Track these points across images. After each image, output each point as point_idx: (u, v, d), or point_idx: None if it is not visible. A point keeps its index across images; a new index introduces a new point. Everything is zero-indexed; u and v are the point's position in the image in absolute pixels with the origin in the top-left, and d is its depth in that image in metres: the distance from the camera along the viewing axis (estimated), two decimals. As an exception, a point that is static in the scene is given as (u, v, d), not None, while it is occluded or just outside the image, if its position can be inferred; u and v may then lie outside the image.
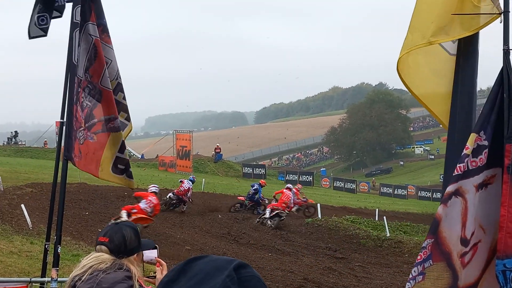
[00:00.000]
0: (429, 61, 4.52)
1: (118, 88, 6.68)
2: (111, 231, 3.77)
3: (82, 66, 6.21)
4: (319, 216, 26.84)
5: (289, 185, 28.17)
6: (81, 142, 6.24)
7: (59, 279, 5.88)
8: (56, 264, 5.78)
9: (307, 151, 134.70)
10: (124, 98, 6.78)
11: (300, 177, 60.15)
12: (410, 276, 3.77)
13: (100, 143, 6.36)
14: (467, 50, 4.23)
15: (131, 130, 7.08)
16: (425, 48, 4.33)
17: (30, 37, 6.87)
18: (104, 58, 6.29)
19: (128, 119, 6.89)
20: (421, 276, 3.74)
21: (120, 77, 6.67)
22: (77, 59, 6.16)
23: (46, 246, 6.83)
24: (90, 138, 6.30)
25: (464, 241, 3.80)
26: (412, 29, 4.27)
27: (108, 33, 6.55)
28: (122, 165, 6.55)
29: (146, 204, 18.61)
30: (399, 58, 4.37)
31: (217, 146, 62.25)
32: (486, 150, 3.79)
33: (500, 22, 3.89)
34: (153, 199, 18.93)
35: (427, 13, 4.25)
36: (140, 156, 73.08)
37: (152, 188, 20.02)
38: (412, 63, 4.46)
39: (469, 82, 4.27)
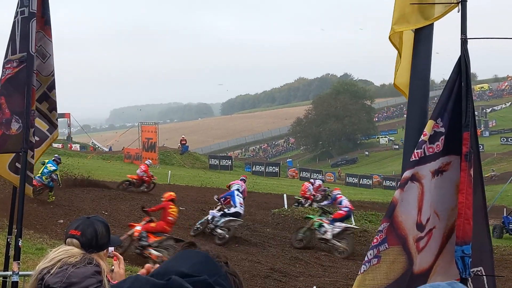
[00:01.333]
0: (405, 51, 4.59)
1: (53, 84, 6.53)
2: (83, 224, 3.73)
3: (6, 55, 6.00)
4: (286, 206, 26.98)
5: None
6: None
7: (21, 272, 5.81)
8: (17, 257, 5.69)
9: (273, 142, 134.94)
10: (55, 95, 6.61)
11: (267, 168, 60.32)
12: (366, 259, 3.82)
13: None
14: (421, 39, 4.29)
15: (56, 137, 6.86)
16: (404, 38, 4.44)
17: None
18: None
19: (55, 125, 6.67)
20: (376, 259, 3.79)
21: (54, 73, 6.51)
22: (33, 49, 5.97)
23: (8, 240, 6.73)
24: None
25: (419, 226, 3.86)
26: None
27: (50, 25, 6.40)
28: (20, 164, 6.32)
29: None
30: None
31: (183, 138, 61.99)
32: (443, 137, 3.86)
33: (458, 12, 3.95)
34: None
35: (395, 2, 4.28)
36: (108, 149, 72.40)
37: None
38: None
39: (423, 71, 4.33)
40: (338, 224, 19.41)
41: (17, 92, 5.85)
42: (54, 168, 21.45)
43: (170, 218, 16.15)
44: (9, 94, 5.87)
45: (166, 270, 1.58)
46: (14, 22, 5.98)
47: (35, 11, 5.97)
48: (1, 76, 5.96)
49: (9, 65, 5.92)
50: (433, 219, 3.89)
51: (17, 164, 6.13)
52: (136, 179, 26.98)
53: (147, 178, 27.21)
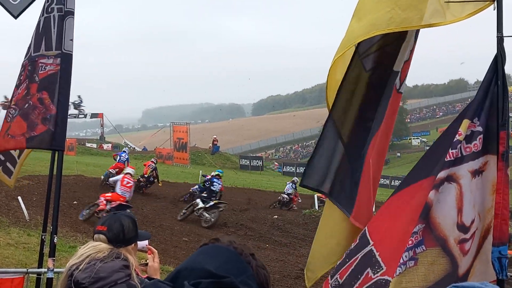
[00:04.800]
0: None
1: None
2: (109, 220, 3.77)
3: (37, 48, 6.05)
4: (316, 207, 26.89)
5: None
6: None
7: (56, 269, 5.87)
8: (52, 254, 5.78)
9: (304, 143, 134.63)
10: None
11: (298, 168, 60.19)
12: (401, 261, 3.76)
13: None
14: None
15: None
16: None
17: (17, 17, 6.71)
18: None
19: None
20: (412, 262, 3.73)
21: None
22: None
23: (43, 237, 6.84)
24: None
25: (462, 227, 3.79)
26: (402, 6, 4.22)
27: None
28: (2, 157, 6.34)
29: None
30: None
31: (215, 138, 62.19)
32: (481, 136, 3.80)
33: (494, 9, 3.88)
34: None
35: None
36: (142, 149, 72.87)
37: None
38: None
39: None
40: None
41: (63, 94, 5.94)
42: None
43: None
44: (54, 91, 5.94)
45: (193, 266, 1.58)
46: (48, 18, 6.02)
47: (72, 9, 6.02)
48: (40, 71, 6.00)
49: (45, 60, 5.96)
50: (477, 221, 3.84)
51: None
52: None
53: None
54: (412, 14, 4.02)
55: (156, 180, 26.81)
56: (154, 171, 26.39)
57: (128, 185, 19.20)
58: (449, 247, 3.77)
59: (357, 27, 4.36)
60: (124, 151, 28.12)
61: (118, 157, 26.32)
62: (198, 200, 21.23)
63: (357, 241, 4.26)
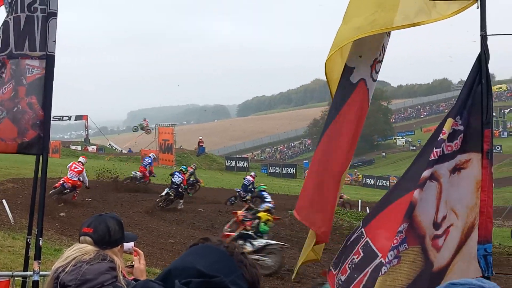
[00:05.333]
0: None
1: None
2: (95, 222, 3.76)
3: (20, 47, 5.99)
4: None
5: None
6: None
7: (41, 272, 5.84)
8: (38, 257, 5.74)
9: (290, 144, 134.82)
10: None
11: (283, 169, 60.29)
12: (386, 260, 3.78)
13: None
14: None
15: None
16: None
17: None
18: None
19: None
20: (396, 260, 3.76)
21: None
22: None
23: (28, 240, 6.78)
24: None
25: (435, 224, 3.83)
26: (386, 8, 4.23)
27: None
28: None
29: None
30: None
31: (200, 139, 62.08)
32: (461, 135, 3.83)
33: (477, 8, 3.91)
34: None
35: None
36: (127, 151, 72.52)
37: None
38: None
39: None
40: None
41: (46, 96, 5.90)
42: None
43: None
44: (40, 95, 5.90)
45: (183, 265, 1.59)
46: (31, 17, 5.96)
47: (55, 11, 5.97)
48: (27, 74, 5.94)
49: (30, 62, 5.91)
50: (450, 217, 3.86)
51: None
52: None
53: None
54: (396, 15, 4.04)
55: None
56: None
57: (75, 170, 21.86)
58: (426, 245, 3.81)
59: (343, 30, 4.41)
60: (150, 157, 31.29)
61: (143, 161, 30.22)
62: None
63: (361, 253, 4.22)
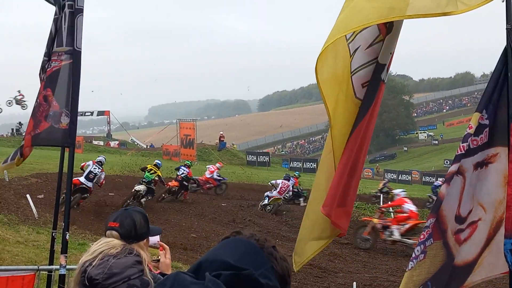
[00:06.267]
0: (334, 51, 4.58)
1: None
2: (121, 216, 3.80)
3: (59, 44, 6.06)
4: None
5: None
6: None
7: (67, 266, 5.92)
8: (64, 250, 5.81)
9: (311, 138, 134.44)
10: None
11: (304, 164, 60.15)
12: (413, 255, 3.78)
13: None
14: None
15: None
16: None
17: None
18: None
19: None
20: (422, 255, 3.76)
21: None
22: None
23: (53, 234, 6.87)
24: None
25: (458, 219, 3.81)
26: None
27: None
28: None
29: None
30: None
31: (221, 134, 62.16)
32: (487, 129, 3.79)
33: (502, 1, 3.87)
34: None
35: None
36: (149, 146, 72.79)
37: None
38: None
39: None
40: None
41: (64, 87, 5.94)
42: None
43: None
44: (55, 87, 5.96)
45: (213, 258, 1.61)
46: (60, 14, 6.03)
47: (82, 7, 6.03)
48: (47, 67, 6.02)
49: (55, 57, 5.99)
50: (477, 211, 3.83)
51: None
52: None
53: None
54: (430, 1, 3.91)
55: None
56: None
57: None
58: (447, 239, 3.79)
59: (363, 9, 4.11)
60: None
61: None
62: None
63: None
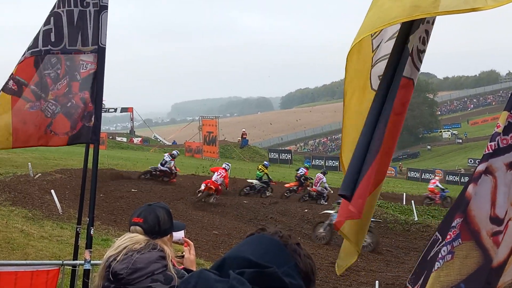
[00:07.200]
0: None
1: None
2: (145, 212, 3.82)
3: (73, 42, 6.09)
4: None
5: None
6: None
7: (91, 261, 5.97)
8: (89, 245, 5.87)
9: (333, 136, 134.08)
10: None
11: (326, 162, 60.02)
12: (439, 256, 3.73)
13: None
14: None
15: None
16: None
17: None
18: None
19: None
20: (450, 255, 3.70)
21: None
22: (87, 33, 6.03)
23: (78, 230, 6.92)
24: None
25: (495, 220, 3.75)
26: None
27: None
28: None
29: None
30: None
31: (244, 131, 62.25)
32: None
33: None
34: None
35: None
36: (172, 143, 73.17)
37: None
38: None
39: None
40: None
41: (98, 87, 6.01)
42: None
43: None
44: (92, 89, 6.01)
45: (237, 255, 1.61)
46: (84, 12, 6.05)
47: (106, 4, 6.05)
48: (81, 69, 6.05)
49: (84, 57, 6.01)
50: (510, 212, 3.78)
51: None
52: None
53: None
54: None
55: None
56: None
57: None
58: (482, 240, 3.73)
59: (389, 8, 4.00)
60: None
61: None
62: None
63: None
